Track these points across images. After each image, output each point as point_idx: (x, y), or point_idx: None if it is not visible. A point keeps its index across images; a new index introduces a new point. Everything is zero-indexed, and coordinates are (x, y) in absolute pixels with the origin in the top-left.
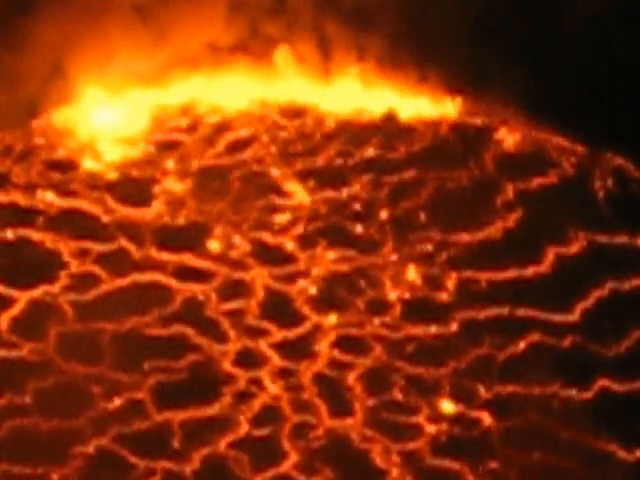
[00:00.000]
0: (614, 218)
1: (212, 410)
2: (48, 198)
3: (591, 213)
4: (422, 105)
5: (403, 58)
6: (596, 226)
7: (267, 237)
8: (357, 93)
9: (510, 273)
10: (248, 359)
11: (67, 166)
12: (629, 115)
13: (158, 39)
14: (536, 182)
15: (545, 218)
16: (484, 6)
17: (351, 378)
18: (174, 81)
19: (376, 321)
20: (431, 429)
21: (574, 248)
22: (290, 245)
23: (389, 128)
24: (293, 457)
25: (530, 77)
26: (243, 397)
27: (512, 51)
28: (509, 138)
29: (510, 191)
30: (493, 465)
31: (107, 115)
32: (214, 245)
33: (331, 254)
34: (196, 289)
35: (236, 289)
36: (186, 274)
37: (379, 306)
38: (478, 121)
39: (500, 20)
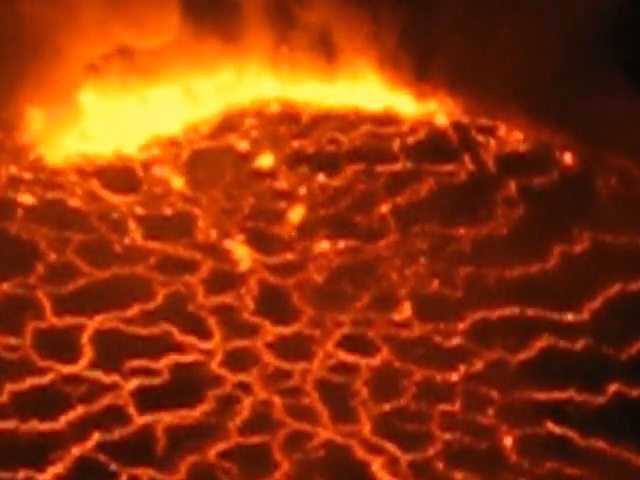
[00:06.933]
0: (618, 217)
1: (196, 415)
2: (30, 191)
3: (594, 212)
4: (421, 103)
5: (403, 56)
6: (600, 225)
7: (262, 226)
8: (354, 89)
9: (517, 271)
10: (238, 359)
11: (56, 160)
12: (630, 114)
13: None
14: (538, 180)
15: (548, 216)
16: (486, 5)
17: (358, 382)
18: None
19: (383, 319)
20: (443, 437)
21: (579, 247)
22: (287, 235)
23: (382, 120)
24: (286, 468)
25: (530, 76)
26: (231, 401)
27: (512, 51)
28: (510, 136)
29: (512, 189)
30: (507, 474)
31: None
32: (203, 235)
33: (331, 245)
34: (182, 282)
35: (226, 282)
36: (171, 266)
37: (385, 302)
38: (478, 119)
39: (500, 20)
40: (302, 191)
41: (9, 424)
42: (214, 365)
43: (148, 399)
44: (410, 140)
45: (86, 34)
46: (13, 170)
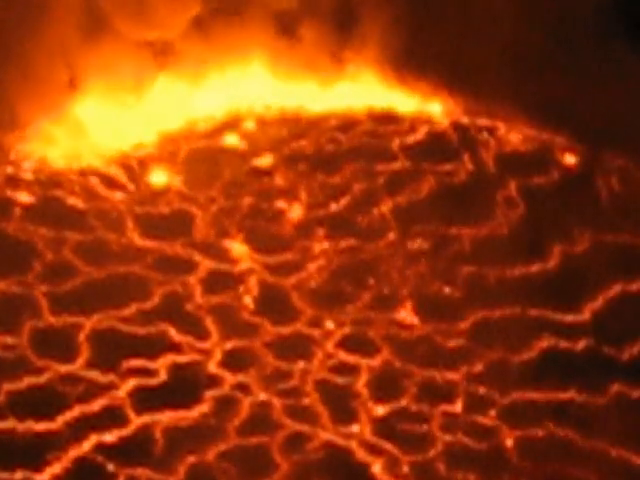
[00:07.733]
0: (618, 217)
1: (194, 416)
2: (27, 190)
3: (594, 212)
4: (420, 102)
5: (403, 56)
6: (600, 225)
7: (260, 225)
8: (354, 89)
9: (517, 271)
10: (236, 360)
11: (54, 158)
12: (630, 114)
13: None
14: (538, 180)
15: (549, 216)
16: (486, 5)
17: (359, 383)
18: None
19: (383, 319)
20: (444, 438)
21: (579, 247)
22: (286, 234)
23: (382, 119)
24: (285, 469)
25: (530, 76)
26: (229, 402)
27: (513, 51)
28: (510, 136)
29: (512, 189)
30: (508, 476)
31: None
32: (201, 234)
33: (331, 244)
34: (179, 282)
35: (224, 281)
36: (169, 265)
37: (385, 302)
38: (478, 119)
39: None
40: (301, 190)
41: (6, 424)
42: (212, 365)
43: (146, 399)
44: (410, 139)
45: (86, 29)
46: (10, 169)
